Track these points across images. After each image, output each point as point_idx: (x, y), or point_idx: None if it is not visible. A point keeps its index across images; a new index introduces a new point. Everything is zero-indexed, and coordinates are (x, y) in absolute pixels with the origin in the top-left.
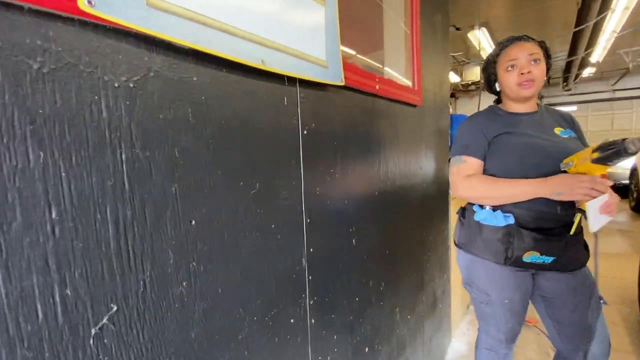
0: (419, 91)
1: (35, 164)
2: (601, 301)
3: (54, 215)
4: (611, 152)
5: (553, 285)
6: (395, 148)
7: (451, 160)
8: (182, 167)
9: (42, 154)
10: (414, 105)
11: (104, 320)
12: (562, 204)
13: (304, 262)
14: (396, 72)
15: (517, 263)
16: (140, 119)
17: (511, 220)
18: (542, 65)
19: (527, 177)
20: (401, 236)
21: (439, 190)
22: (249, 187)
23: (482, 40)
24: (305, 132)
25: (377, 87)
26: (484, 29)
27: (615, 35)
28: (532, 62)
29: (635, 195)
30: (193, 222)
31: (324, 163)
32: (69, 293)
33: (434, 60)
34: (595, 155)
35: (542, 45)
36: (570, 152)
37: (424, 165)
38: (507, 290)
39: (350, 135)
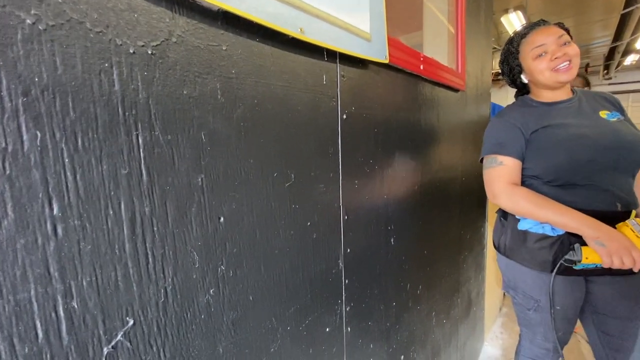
0: (462, 74)
1: (31, 147)
2: None
3: (55, 211)
4: None
5: (604, 290)
6: (436, 137)
7: (484, 160)
8: (210, 154)
9: (39, 133)
10: (457, 90)
11: (119, 337)
12: (621, 200)
13: (340, 264)
14: (438, 54)
15: (567, 272)
16: (161, 95)
17: (561, 231)
18: (575, 45)
19: (580, 177)
20: (439, 234)
21: (479, 185)
22: (284, 179)
23: (516, 25)
24: (344, 116)
25: (421, 67)
26: (519, 12)
27: None
28: (563, 45)
29: None
30: (222, 219)
31: (363, 152)
32: (76, 306)
33: (476, 43)
34: None
35: (565, 27)
36: (622, 137)
37: (464, 157)
38: (559, 295)
39: (392, 121)
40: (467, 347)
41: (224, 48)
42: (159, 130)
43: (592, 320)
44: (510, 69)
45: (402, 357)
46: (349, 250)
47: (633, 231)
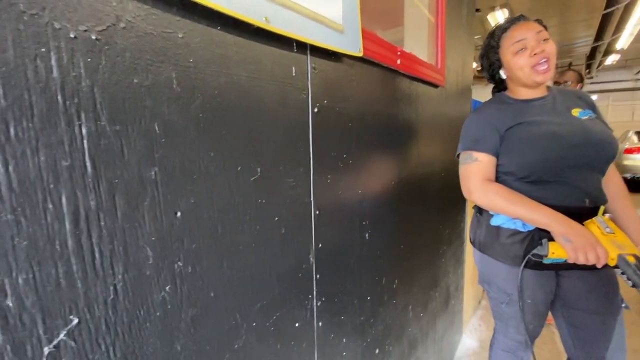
0: (442, 70)
1: None
2: (622, 305)
3: None
4: (634, 276)
5: (574, 284)
6: (415, 132)
7: (460, 156)
8: (164, 146)
9: None
10: (437, 86)
11: (61, 336)
12: (590, 197)
13: (311, 259)
14: (418, 50)
15: (538, 266)
16: (108, 83)
17: (531, 226)
18: (552, 43)
19: (551, 173)
20: (417, 229)
21: (458, 181)
22: (249, 173)
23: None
24: (316, 109)
25: (398, 61)
26: (505, 9)
27: None
28: (542, 42)
29: None
30: (178, 213)
31: (336, 147)
32: (10, 304)
33: (458, 38)
34: (631, 259)
35: (543, 24)
36: (593, 136)
37: (444, 153)
38: (530, 289)
39: (367, 116)
40: (445, 340)
41: (180, 36)
42: (106, 121)
43: (562, 314)
44: (490, 64)
45: (377, 350)
46: (320, 245)
47: (599, 228)
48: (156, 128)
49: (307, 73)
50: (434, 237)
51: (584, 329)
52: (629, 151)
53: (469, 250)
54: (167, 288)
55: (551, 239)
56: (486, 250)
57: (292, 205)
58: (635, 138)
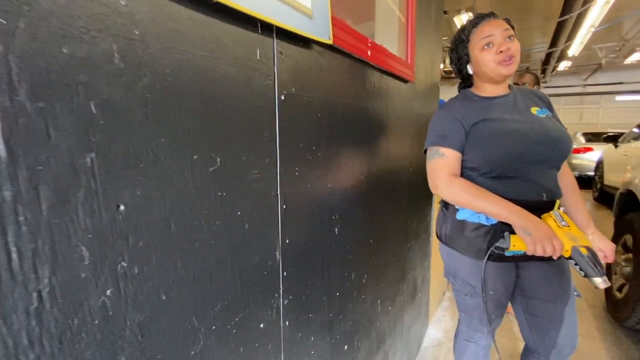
0: (411, 65)
1: None
2: (575, 293)
3: None
4: (586, 267)
5: (532, 275)
6: (384, 126)
7: (427, 152)
8: (103, 129)
9: None
10: (406, 81)
11: None
12: (548, 191)
13: (277, 255)
14: (388, 45)
15: (500, 259)
16: (27, 51)
17: (495, 220)
18: (517, 42)
19: (512, 169)
20: (386, 224)
21: (425, 176)
22: (207, 163)
23: None
24: (283, 97)
25: (369, 52)
26: (470, 13)
27: (593, 30)
28: (508, 39)
29: (598, 186)
30: (122, 207)
31: (305, 138)
32: None
33: (426, 37)
34: (584, 251)
35: (511, 24)
36: (551, 134)
37: (412, 148)
38: (493, 281)
39: (337, 107)
40: (412, 331)
41: (122, 3)
42: (25, 95)
43: (520, 303)
44: (459, 58)
45: (346, 347)
46: (287, 241)
47: (555, 221)
48: (92, 108)
49: (273, 57)
50: (402, 231)
51: (540, 317)
52: (577, 151)
53: (434, 243)
54: (109, 292)
55: (512, 233)
56: (452, 244)
57: (257, 198)
58: (582, 139)
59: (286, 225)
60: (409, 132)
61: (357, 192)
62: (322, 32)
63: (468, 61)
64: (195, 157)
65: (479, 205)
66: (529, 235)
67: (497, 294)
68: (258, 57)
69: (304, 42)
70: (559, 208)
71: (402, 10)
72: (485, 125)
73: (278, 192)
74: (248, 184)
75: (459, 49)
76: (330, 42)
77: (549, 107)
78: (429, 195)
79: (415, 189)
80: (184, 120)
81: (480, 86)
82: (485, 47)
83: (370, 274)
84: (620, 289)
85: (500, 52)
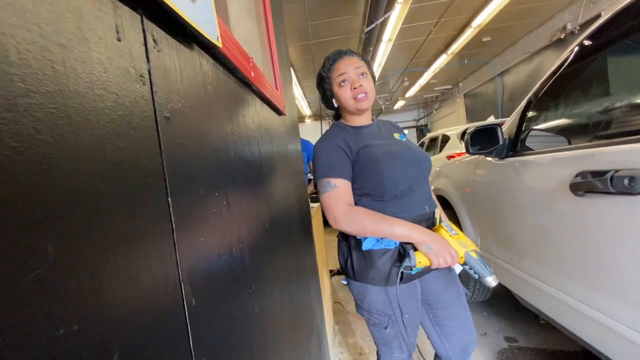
0: (282, 96)
1: None
2: (464, 292)
3: None
4: (479, 269)
5: (433, 286)
6: (274, 164)
7: (318, 185)
8: None
9: None
10: (280, 113)
11: None
12: (427, 202)
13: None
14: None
15: (408, 279)
16: None
17: (396, 242)
18: (370, 78)
19: (398, 189)
20: (296, 276)
21: (301, 211)
22: (25, 259)
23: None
24: (167, 115)
25: (252, 74)
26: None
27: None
28: (361, 76)
29: None
30: None
31: (204, 181)
32: None
33: (282, 71)
34: (474, 255)
35: (365, 59)
36: (417, 153)
37: (294, 185)
38: (405, 304)
39: (229, 138)
40: None
41: None
42: None
43: (428, 317)
44: (324, 92)
45: None
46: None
47: (447, 232)
48: None
49: (144, 45)
50: (303, 276)
51: (446, 325)
52: None
53: (323, 278)
54: None
55: (413, 249)
56: (361, 278)
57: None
58: None
59: (196, 324)
60: (289, 169)
61: (266, 247)
62: (208, 27)
63: (332, 95)
64: None
65: (383, 229)
66: (430, 250)
67: (412, 315)
68: (118, 40)
69: (184, 36)
70: (440, 219)
71: (262, 39)
72: (366, 151)
73: (180, 278)
74: (130, 279)
75: (323, 85)
76: (219, 44)
77: (403, 134)
78: (309, 230)
79: (300, 226)
80: None
81: (348, 117)
82: (342, 83)
83: (293, 343)
84: None
85: (354, 88)
